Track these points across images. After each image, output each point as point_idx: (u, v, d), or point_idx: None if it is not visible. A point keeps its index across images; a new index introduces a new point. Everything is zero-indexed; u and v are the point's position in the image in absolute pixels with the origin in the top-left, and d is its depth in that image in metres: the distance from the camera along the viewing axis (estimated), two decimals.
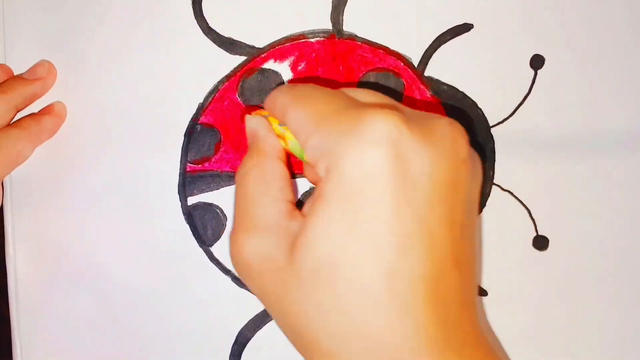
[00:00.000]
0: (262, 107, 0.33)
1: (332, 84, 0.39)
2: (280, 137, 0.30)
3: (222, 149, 0.39)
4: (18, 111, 0.39)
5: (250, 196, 0.28)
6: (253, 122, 0.31)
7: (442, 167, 0.25)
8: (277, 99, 0.29)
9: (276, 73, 0.39)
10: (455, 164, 0.25)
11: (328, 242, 0.24)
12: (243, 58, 0.39)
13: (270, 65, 0.39)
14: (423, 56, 0.39)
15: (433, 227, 0.25)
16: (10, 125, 0.39)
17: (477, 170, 0.28)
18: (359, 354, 0.25)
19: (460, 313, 0.25)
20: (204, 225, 0.39)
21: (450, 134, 0.26)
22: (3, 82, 0.39)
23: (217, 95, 0.39)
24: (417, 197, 0.24)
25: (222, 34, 0.39)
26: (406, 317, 0.24)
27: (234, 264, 0.28)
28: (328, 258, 0.24)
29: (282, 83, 0.39)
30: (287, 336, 0.28)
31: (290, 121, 0.27)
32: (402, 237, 0.24)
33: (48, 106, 0.39)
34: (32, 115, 0.39)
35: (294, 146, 0.29)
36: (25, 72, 0.40)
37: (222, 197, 0.39)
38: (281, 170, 0.29)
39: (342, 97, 0.27)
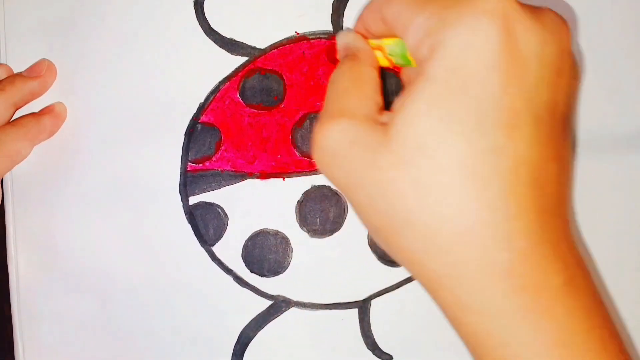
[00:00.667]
0: None
1: None
2: (376, 48, 0.29)
3: (222, 147, 0.39)
4: (17, 109, 0.39)
5: (343, 90, 0.27)
6: (346, 36, 0.30)
7: (550, 51, 0.24)
8: (369, 6, 0.28)
9: (277, 73, 0.39)
10: (561, 51, 0.25)
11: (431, 119, 0.23)
12: (244, 59, 0.39)
13: (271, 65, 0.39)
14: None
15: (539, 109, 0.24)
16: (9, 124, 0.39)
17: (576, 68, 0.27)
18: (458, 235, 0.24)
19: (558, 209, 0.25)
20: (205, 224, 0.39)
21: (558, 22, 0.25)
22: (2, 80, 0.39)
23: (218, 94, 0.39)
24: (526, 76, 0.24)
25: (223, 34, 0.39)
26: (509, 198, 0.23)
27: (317, 151, 0.26)
28: (432, 134, 0.23)
29: (283, 81, 0.39)
30: (372, 224, 0.26)
31: (390, 14, 0.27)
32: (510, 113, 0.23)
33: (48, 106, 0.40)
34: (32, 114, 0.39)
35: (392, 50, 0.28)
36: (25, 70, 0.40)
37: (223, 197, 0.39)
38: (375, 76, 0.28)
39: None
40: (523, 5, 0.24)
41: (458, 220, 0.24)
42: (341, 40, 0.31)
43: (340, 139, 0.26)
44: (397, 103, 0.25)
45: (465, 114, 0.23)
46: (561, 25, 0.25)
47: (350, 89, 0.27)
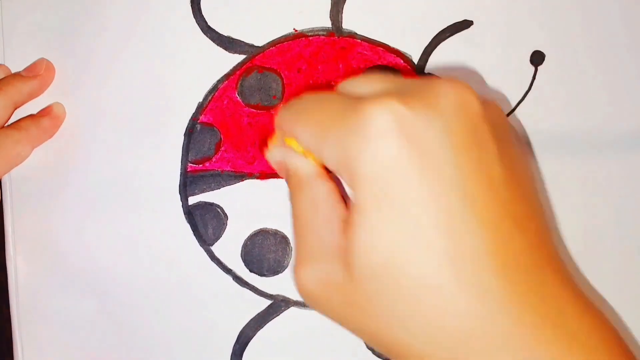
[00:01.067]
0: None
1: (334, 80, 0.39)
2: (306, 154, 0.29)
3: (222, 148, 0.39)
4: (16, 108, 0.39)
5: (303, 224, 0.27)
6: (275, 154, 0.30)
7: (458, 131, 0.24)
8: (283, 121, 0.28)
9: (275, 71, 0.39)
10: (470, 122, 0.24)
11: (377, 249, 0.24)
12: (242, 57, 0.39)
13: (269, 63, 0.39)
14: (423, 53, 0.39)
15: (473, 193, 0.23)
16: (9, 126, 0.39)
17: (500, 118, 0.27)
18: (453, 348, 0.23)
19: (544, 276, 0.24)
20: (204, 224, 0.39)
21: (454, 94, 0.24)
22: (0, 80, 0.39)
23: (216, 94, 0.39)
24: (444, 171, 0.23)
25: (221, 32, 0.39)
26: (485, 298, 0.23)
27: (299, 292, 0.27)
28: (383, 264, 0.24)
29: (281, 79, 0.39)
30: (380, 350, 0.27)
31: (300, 141, 0.27)
32: (445, 215, 0.23)
33: (47, 107, 0.39)
34: (30, 116, 0.39)
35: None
36: (23, 70, 0.39)
37: (223, 197, 0.39)
38: (325, 188, 0.28)
39: (337, 100, 0.26)
40: (412, 102, 0.24)
41: (446, 338, 0.23)
42: (272, 160, 0.31)
43: (315, 284, 0.26)
44: (347, 238, 0.25)
45: (406, 234, 0.23)
46: (459, 93, 0.24)
47: (310, 221, 0.27)
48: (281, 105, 0.39)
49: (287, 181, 0.30)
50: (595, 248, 0.38)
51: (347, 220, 0.25)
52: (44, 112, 0.39)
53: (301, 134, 0.27)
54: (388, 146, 0.23)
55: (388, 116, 0.23)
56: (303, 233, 0.27)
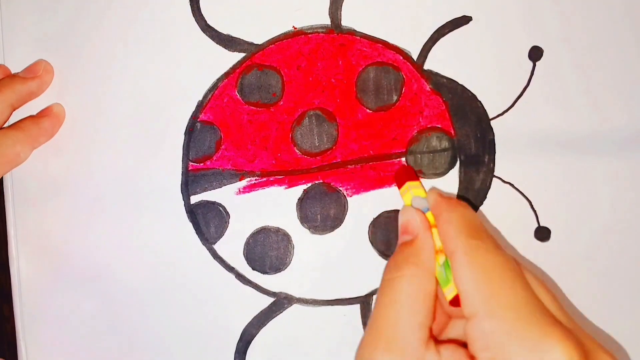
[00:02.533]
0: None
1: (336, 75, 0.39)
2: (436, 252, 0.30)
3: (223, 147, 0.39)
4: (14, 109, 0.39)
5: (395, 314, 0.27)
6: (417, 219, 0.30)
7: None
8: (458, 233, 0.29)
9: (275, 69, 0.39)
10: None
11: None
12: (242, 55, 0.39)
13: (269, 61, 0.39)
14: (422, 49, 0.39)
15: None
16: (9, 127, 0.38)
17: None
18: None
19: None
20: (206, 223, 0.39)
21: None
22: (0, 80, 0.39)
23: (216, 92, 0.39)
24: None
25: (220, 31, 0.39)
26: None
27: None
28: None
29: (281, 77, 0.39)
30: None
31: (463, 281, 0.27)
32: None
33: (46, 108, 0.39)
34: (30, 117, 0.39)
35: (440, 276, 0.29)
36: (22, 71, 0.39)
37: (224, 195, 0.39)
38: (433, 293, 0.29)
39: (527, 294, 0.27)
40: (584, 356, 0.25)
41: None
42: (406, 219, 0.31)
43: None
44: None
45: None
46: None
47: (405, 316, 0.27)
48: (281, 102, 0.39)
49: (405, 250, 0.30)
50: (597, 239, 0.38)
51: None
52: (44, 113, 0.39)
53: (472, 278, 0.27)
54: None
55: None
56: (390, 317, 0.27)
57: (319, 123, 0.39)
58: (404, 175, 0.35)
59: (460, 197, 0.38)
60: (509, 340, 0.25)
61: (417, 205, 0.32)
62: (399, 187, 0.35)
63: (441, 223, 0.30)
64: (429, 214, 0.31)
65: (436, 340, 0.29)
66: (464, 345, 0.28)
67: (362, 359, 0.27)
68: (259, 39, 0.39)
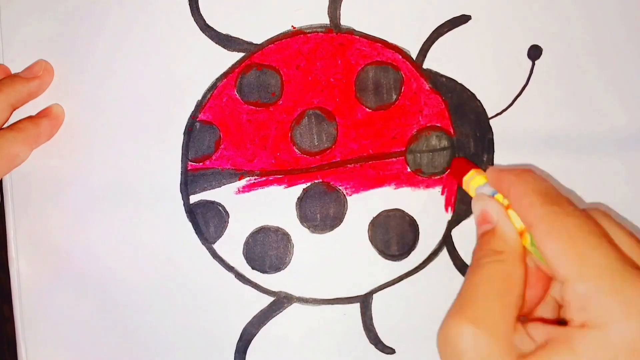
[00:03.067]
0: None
1: (337, 72, 0.39)
2: (520, 232, 0.29)
3: (222, 146, 0.39)
4: (14, 109, 0.39)
5: (484, 292, 0.28)
6: (491, 207, 0.30)
7: None
8: (531, 204, 0.28)
9: (274, 69, 0.39)
10: None
11: None
12: (241, 54, 0.39)
13: (268, 61, 0.39)
14: (421, 48, 0.39)
15: None
16: (8, 128, 0.38)
17: None
18: None
19: None
20: (206, 222, 0.39)
21: None
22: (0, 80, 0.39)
23: (215, 92, 0.39)
24: None
25: (219, 30, 0.39)
26: None
27: (443, 342, 0.27)
28: None
29: (280, 77, 0.39)
30: None
31: (548, 250, 0.27)
32: None
33: (46, 109, 0.39)
34: (29, 117, 0.39)
35: (533, 249, 0.29)
36: (22, 71, 0.39)
37: (224, 195, 0.39)
38: (522, 277, 0.28)
39: (615, 253, 0.26)
40: None
41: None
42: (481, 207, 0.31)
43: (470, 348, 0.26)
44: (537, 333, 0.27)
45: None
46: None
47: (493, 295, 0.27)
48: (280, 102, 0.39)
49: (488, 238, 0.30)
50: None
51: (551, 344, 0.26)
52: (43, 114, 0.39)
53: (557, 249, 0.27)
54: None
55: None
56: (479, 297, 0.28)
57: (318, 122, 0.39)
58: (459, 171, 0.34)
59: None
60: (606, 298, 0.25)
61: (483, 192, 0.32)
62: (460, 184, 0.34)
63: (513, 201, 0.30)
64: (498, 197, 0.31)
65: (524, 321, 0.28)
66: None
67: (448, 328, 0.27)
68: (258, 39, 0.39)
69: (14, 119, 0.39)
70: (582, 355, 0.25)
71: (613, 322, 0.25)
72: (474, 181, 0.33)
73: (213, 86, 0.39)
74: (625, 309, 0.25)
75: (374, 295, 0.39)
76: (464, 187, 0.34)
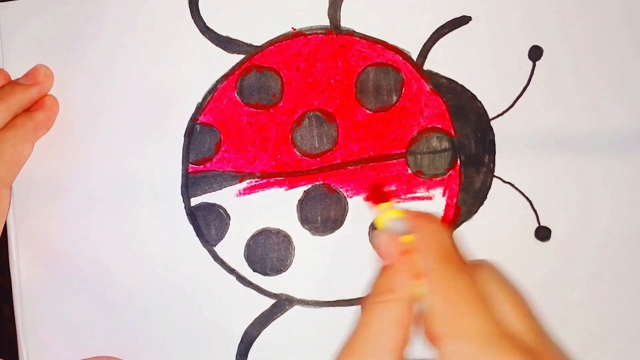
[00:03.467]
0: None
1: (336, 73, 0.39)
2: (405, 253, 0.30)
3: (222, 148, 0.39)
4: (14, 116, 0.39)
5: (373, 335, 0.28)
6: (392, 249, 0.30)
7: None
8: (428, 256, 0.29)
9: (274, 70, 0.39)
10: None
11: None
12: (241, 56, 0.39)
13: (268, 63, 0.39)
14: (422, 50, 0.39)
15: None
16: (6, 127, 0.38)
17: None
18: None
19: None
20: (207, 225, 0.39)
21: None
22: (0, 88, 0.39)
23: (215, 94, 0.39)
24: None
25: (219, 32, 0.39)
26: None
27: None
28: None
29: (281, 78, 0.39)
30: None
31: (431, 302, 0.28)
32: None
33: (39, 101, 0.39)
34: (24, 113, 0.39)
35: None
36: (22, 77, 0.39)
37: (225, 197, 0.39)
38: (407, 317, 0.29)
39: (490, 320, 0.27)
40: None
41: None
42: (378, 244, 0.31)
43: None
44: None
45: None
46: None
47: (379, 338, 0.28)
48: (281, 104, 0.39)
49: (384, 273, 0.30)
50: (597, 238, 0.38)
51: None
52: (37, 106, 0.39)
53: (438, 303, 0.28)
54: None
55: None
56: (367, 343, 0.28)
57: (319, 124, 0.39)
58: (376, 197, 0.34)
59: (459, 200, 0.38)
60: None
61: (393, 226, 0.31)
62: (373, 205, 0.34)
63: (415, 245, 0.30)
64: (405, 238, 0.30)
65: None
66: None
67: None
68: (258, 41, 0.39)
69: None
70: None
71: None
72: (388, 213, 0.32)
73: (213, 88, 0.39)
74: None
75: None
76: (375, 212, 0.33)
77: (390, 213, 0.32)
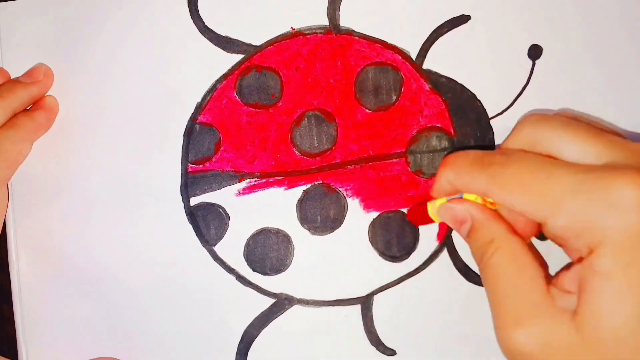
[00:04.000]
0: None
1: (335, 73, 0.39)
2: (494, 209, 0.30)
3: (222, 148, 0.39)
4: (15, 114, 0.39)
5: (506, 288, 0.28)
6: (458, 211, 0.31)
7: None
8: (475, 182, 0.29)
9: (274, 70, 0.39)
10: None
11: (622, 314, 0.25)
12: (240, 56, 0.39)
13: (267, 62, 0.39)
14: (421, 49, 0.39)
15: None
16: (5, 125, 0.38)
17: None
18: None
19: None
20: (207, 225, 0.39)
21: None
22: (0, 86, 0.39)
23: (214, 94, 0.39)
24: None
25: (218, 32, 0.39)
26: None
27: (510, 355, 0.28)
28: (629, 330, 0.25)
29: (280, 78, 0.39)
30: None
31: (514, 205, 0.28)
32: None
33: (39, 101, 0.39)
34: (25, 112, 0.39)
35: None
36: (23, 75, 0.39)
37: (224, 197, 0.39)
38: (523, 247, 0.29)
39: (561, 166, 0.27)
40: None
41: None
42: (452, 215, 0.31)
43: (533, 345, 0.27)
44: (567, 282, 0.27)
45: None
46: None
47: (514, 284, 0.28)
48: (280, 103, 0.39)
49: (473, 237, 0.30)
50: None
51: (583, 283, 0.26)
52: (38, 106, 0.39)
53: (520, 200, 0.27)
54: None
55: (638, 191, 0.25)
56: (507, 297, 0.28)
57: (318, 124, 0.39)
58: (420, 219, 0.35)
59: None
60: (581, 213, 0.25)
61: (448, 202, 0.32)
62: (427, 221, 0.35)
63: (461, 188, 0.31)
64: (467, 196, 0.31)
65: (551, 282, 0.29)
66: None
67: (502, 341, 0.28)
68: (257, 40, 0.39)
69: None
70: (611, 274, 0.25)
71: (606, 228, 0.25)
72: (436, 204, 0.33)
73: (212, 88, 0.39)
74: (607, 208, 0.25)
75: (375, 297, 0.39)
76: (432, 215, 0.34)
77: (439, 201, 0.33)
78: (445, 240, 0.38)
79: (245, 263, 0.39)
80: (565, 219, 0.26)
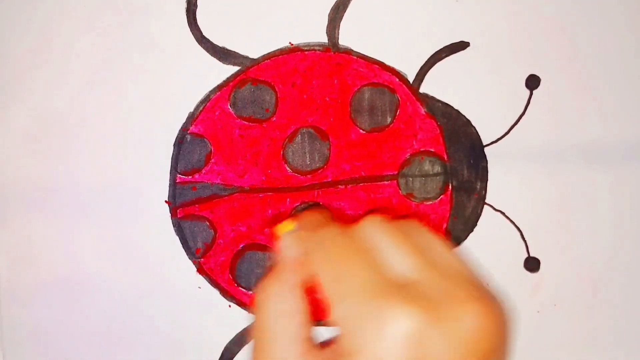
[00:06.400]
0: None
1: (331, 91, 0.38)
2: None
3: (212, 160, 0.38)
4: None
5: (270, 333, 0.27)
6: (290, 248, 0.30)
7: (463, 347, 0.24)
8: (305, 240, 0.29)
9: (270, 85, 0.39)
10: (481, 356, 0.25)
11: None
12: (236, 68, 0.39)
13: (264, 76, 0.39)
14: (418, 72, 0.38)
15: None
16: None
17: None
18: None
19: None
20: (193, 237, 0.39)
21: (476, 330, 0.25)
22: None
23: (208, 104, 0.39)
24: None
25: (215, 43, 0.39)
26: None
27: None
28: None
29: (275, 93, 0.38)
30: None
31: (319, 274, 0.27)
32: None
33: None
34: None
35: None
36: None
37: (212, 210, 0.39)
38: (298, 306, 0.28)
39: (372, 271, 0.26)
40: (435, 318, 0.24)
41: None
42: (285, 247, 0.30)
43: None
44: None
45: None
46: (480, 331, 0.25)
47: (278, 332, 0.27)
48: (274, 118, 0.38)
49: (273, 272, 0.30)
50: (587, 270, 0.38)
51: None
52: None
53: (324, 271, 0.27)
54: (394, 352, 0.23)
55: (409, 326, 0.24)
56: (268, 342, 0.27)
57: (311, 141, 0.38)
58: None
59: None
60: (355, 322, 0.24)
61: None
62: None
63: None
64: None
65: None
66: None
67: None
68: (254, 53, 0.39)
69: (14, 118, 0.38)
70: None
71: (362, 342, 0.24)
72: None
73: (206, 98, 0.39)
74: (371, 330, 0.24)
75: None
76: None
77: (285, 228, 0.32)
78: None
79: (231, 278, 0.39)
80: (342, 314, 0.25)
